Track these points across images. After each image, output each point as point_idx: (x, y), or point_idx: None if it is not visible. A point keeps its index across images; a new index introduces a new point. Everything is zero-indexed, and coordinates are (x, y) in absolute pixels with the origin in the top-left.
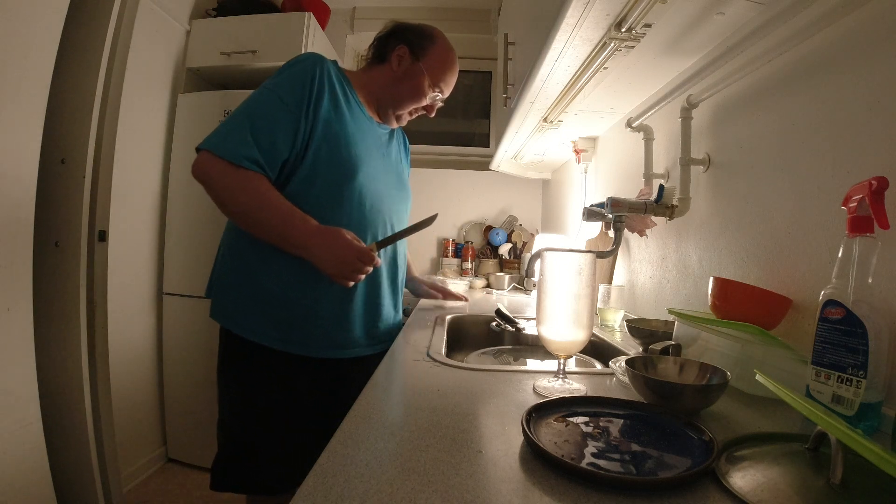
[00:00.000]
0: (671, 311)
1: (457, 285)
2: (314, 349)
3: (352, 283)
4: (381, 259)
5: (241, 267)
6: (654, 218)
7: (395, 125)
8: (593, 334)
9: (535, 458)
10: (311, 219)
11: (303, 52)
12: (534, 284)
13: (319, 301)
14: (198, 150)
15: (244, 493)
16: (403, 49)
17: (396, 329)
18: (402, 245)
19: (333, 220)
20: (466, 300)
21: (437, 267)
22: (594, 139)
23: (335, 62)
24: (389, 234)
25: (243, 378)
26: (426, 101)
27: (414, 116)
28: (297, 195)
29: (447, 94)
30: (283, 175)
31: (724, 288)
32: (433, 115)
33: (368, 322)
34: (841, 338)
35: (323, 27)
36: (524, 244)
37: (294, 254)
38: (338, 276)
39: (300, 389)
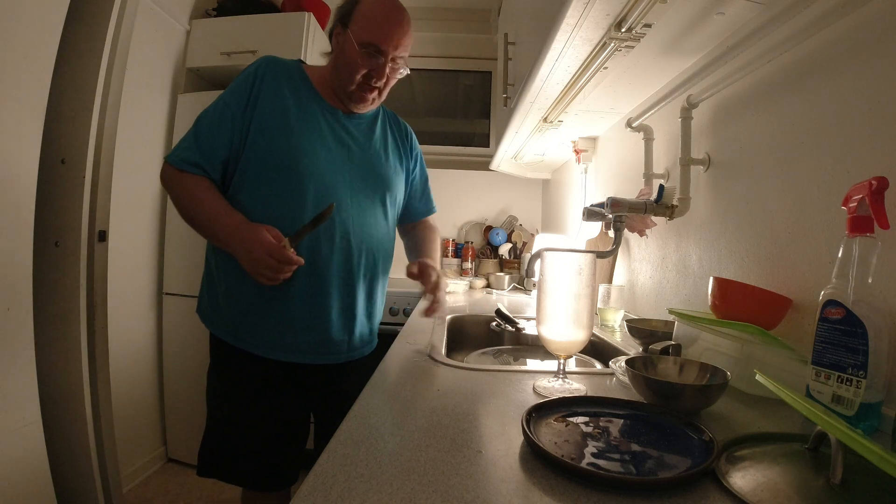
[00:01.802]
0: (671, 311)
1: (457, 285)
2: (262, 349)
3: (273, 282)
4: (308, 259)
5: (208, 264)
6: (654, 218)
7: (361, 107)
8: (593, 334)
9: (535, 458)
10: (237, 215)
11: (303, 51)
12: (534, 284)
13: (263, 300)
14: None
15: (224, 481)
16: (338, 27)
17: (360, 342)
18: (380, 242)
19: (283, 217)
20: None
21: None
22: (594, 139)
23: (299, 61)
24: (349, 229)
25: (217, 372)
26: (364, 66)
27: (376, 90)
28: (241, 192)
29: (390, 48)
30: (227, 174)
31: (724, 288)
32: (383, 79)
33: (316, 326)
34: (841, 338)
35: (323, 27)
36: (524, 244)
37: (228, 252)
38: (255, 274)
39: (256, 386)
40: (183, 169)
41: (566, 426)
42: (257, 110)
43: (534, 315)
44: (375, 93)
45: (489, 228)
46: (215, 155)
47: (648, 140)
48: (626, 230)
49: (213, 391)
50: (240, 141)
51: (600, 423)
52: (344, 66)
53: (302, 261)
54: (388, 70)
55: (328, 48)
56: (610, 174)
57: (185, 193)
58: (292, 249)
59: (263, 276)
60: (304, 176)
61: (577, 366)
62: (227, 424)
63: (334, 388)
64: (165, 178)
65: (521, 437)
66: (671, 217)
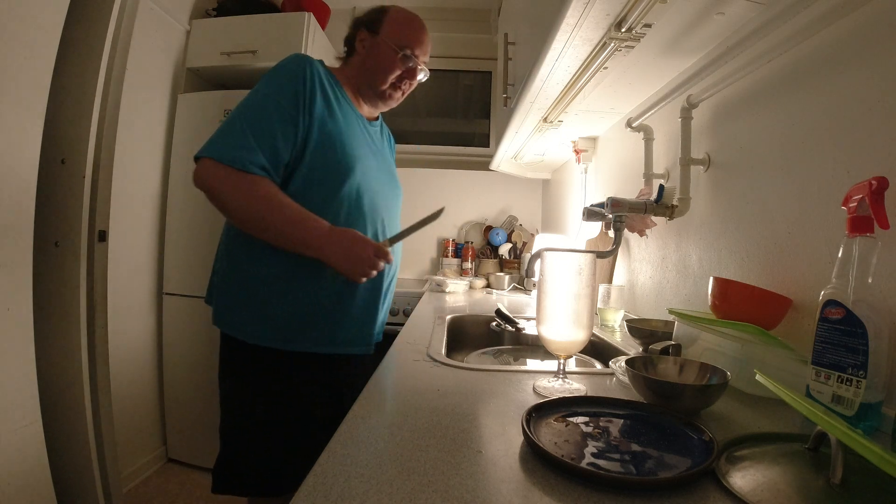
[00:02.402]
0: (671, 311)
1: (457, 285)
2: (313, 345)
3: (364, 279)
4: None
5: (237, 272)
6: (654, 218)
7: (383, 106)
8: (593, 334)
9: (535, 458)
10: (321, 220)
11: (303, 52)
12: (534, 284)
13: (318, 298)
14: (196, 158)
15: (244, 495)
16: (363, 33)
17: (380, 333)
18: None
19: (331, 220)
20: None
21: (437, 267)
22: (594, 139)
23: (321, 61)
24: (385, 230)
25: (245, 383)
26: (399, 67)
27: (402, 92)
28: (296, 197)
29: (421, 52)
30: (282, 178)
31: (724, 288)
32: (415, 80)
33: (366, 320)
34: (841, 338)
35: (323, 27)
36: (524, 244)
37: (307, 255)
38: (352, 273)
39: (300, 389)
40: (249, 171)
41: (566, 426)
42: (315, 116)
43: (534, 315)
44: (400, 93)
45: (489, 228)
46: (280, 158)
47: (648, 140)
48: (626, 230)
49: (241, 406)
50: (300, 147)
51: (600, 423)
52: (378, 68)
53: (392, 258)
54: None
55: (329, 48)
56: (610, 174)
57: (260, 197)
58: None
59: (362, 274)
60: (358, 183)
61: (577, 366)
62: (263, 439)
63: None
64: (220, 179)
65: (521, 437)
66: (671, 217)
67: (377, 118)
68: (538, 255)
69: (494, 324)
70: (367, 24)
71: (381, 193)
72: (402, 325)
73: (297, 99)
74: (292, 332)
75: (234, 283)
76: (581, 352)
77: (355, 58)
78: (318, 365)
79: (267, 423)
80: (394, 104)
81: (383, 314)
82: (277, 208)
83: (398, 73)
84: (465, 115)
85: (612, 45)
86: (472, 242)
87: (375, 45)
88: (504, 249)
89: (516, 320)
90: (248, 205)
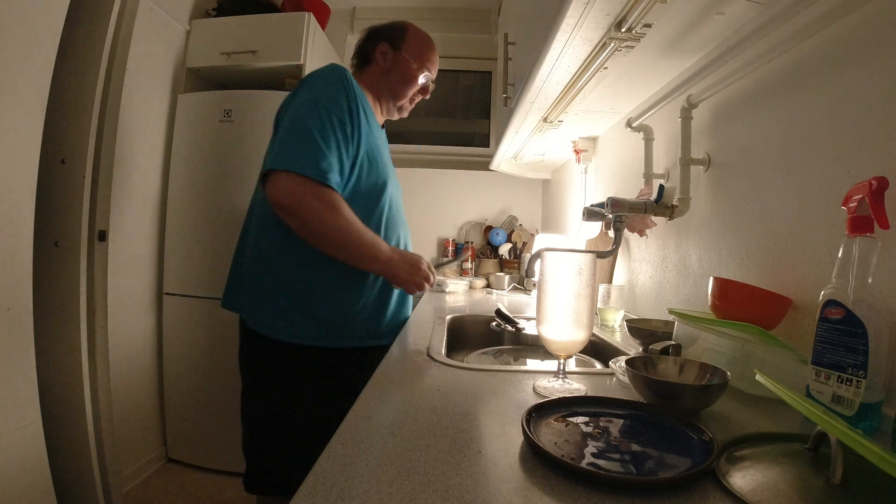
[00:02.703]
0: (671, 311)
1: (457, 285)
2: (357, 341)
3: (417, 291)
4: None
5: (284, 277)
6: (654, 218)
7: (397, 115)
8: (593, 334)
9: (535, 458)
10: (383, 241)
11: (303, 52)
12: (534, 284)
13: (361, 298)
14: (271, 170)
15: (279, 495)
16: (384, 45)
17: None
18: (409, 244)
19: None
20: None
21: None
22: (594, 139)
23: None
24: (405, 236)
25: (285, 383)
26: (419, 84)
27: (413, 104)
28: None
29: (435, 73)
30: None
31: (724, 288)
32: (428, 95)
33: (397, 313)
34: (841, 338)
35: (323, 27)
36: (524, 244)
37: (370, 269)
38: (410, 287)
39: (338, 383)
40: (331, 187)
41: (566, 426)
42: (362, 131)
43: (534, 315)
44: (412, 105)
45: (489, 228)
46: (344, 173)
47: (648, 140)
48: (626, 230)
49: (283, 405)
50: (352, 160)
51: (600, 423)
52: (401, 82)
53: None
54: None
55: (329, 48)
56: (610, 174)
57: (340, 212)
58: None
59: (420, 288)
60: (390, 195)
61: (577, 366)
62: (304, 438)
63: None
64: (305, 192)
65: (521, 437)
66: (671, 217)
67: (384, 124)
68: (538, 255)
69: (494, 324)
70: (389, 39)
71: (398, 202)
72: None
73: (350, 114)
74: (340, 330)
75: (279, 287)
76: (581, 352)
77: (374, 68)
78: (350, 357)
79: (307, 421)
80: (405, 115)
81: (408, 307)
82: (357, 230)
83: (417, 88)
84: (465, 115)
85: (612, 45)
86: (472, 242)
87: (398, 60)
88: (504, 249)
89: (516, 320)
90: (327, 220)
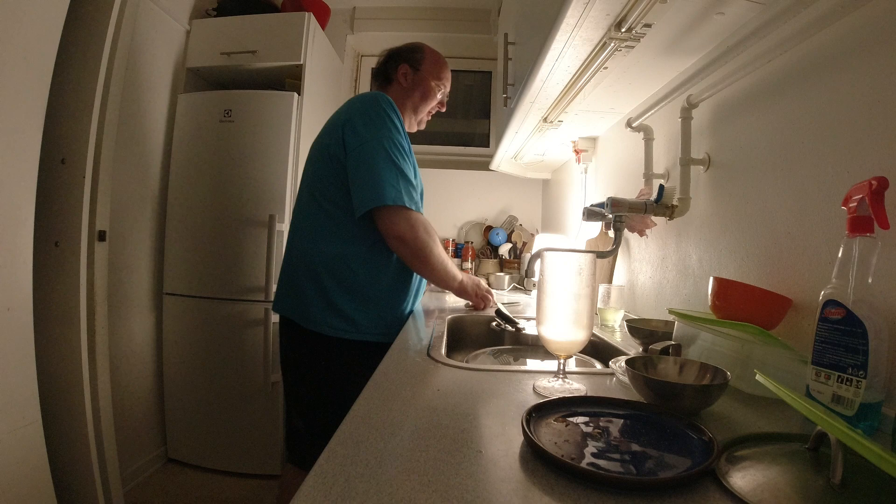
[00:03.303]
0: (671, 311)
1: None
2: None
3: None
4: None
5: (351, 293)
6: (654, 218)
7: (416, 129)
8: (593, 334)
9: (535, 458)
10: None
11: (303, 52)
12: (534, 284)
13: (405, 301)
14: (380, 206)
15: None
16: (405, 67)
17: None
18: None
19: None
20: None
21: None
22: (594, 139)
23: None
24: None
25: (342, 373)
26: (437, 100)
27: (430, 117)
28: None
29: (448, 87)
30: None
31: (724, 288)
32: (444, 108)
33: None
34: (841, 338)
35: (323, 27)
36: (524, 244)
37: (448, 287)
38: (478, 300)
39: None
40: (420, 211)
41: (566, 426)
42: (412, 156)
43: (534, 315)
44: (429, 118)
45: (489, 228)
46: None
47: (648, 140)
48: (626, 230)
49: (338, 395)
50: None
51: (600, 423)
52: (423, 100)
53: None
54: None
55: (329, 48)
56: (610, 174)
57: (439, 245)
58: None
59: (484, 299)
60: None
61: (577, 366)
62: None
63: None
64: (420, 226)
65: (521, 437)
66: (671, 217)
67: None
68: (538, 255)
69: (494, 324)
70: (410, 60)
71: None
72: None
73: (405, 139)
74: (386, 328)
75: (342, 297)
76: (581, 352)
77: (396, 87)
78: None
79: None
80: (423, 127)
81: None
82: (446, 260)
83: (435, 103)
84: (465, 115)
85: (612, 45)
86: (472, 242)
87: (419, 80)
88: (504, 249)
89: (516, 320)
90: (434, 248)
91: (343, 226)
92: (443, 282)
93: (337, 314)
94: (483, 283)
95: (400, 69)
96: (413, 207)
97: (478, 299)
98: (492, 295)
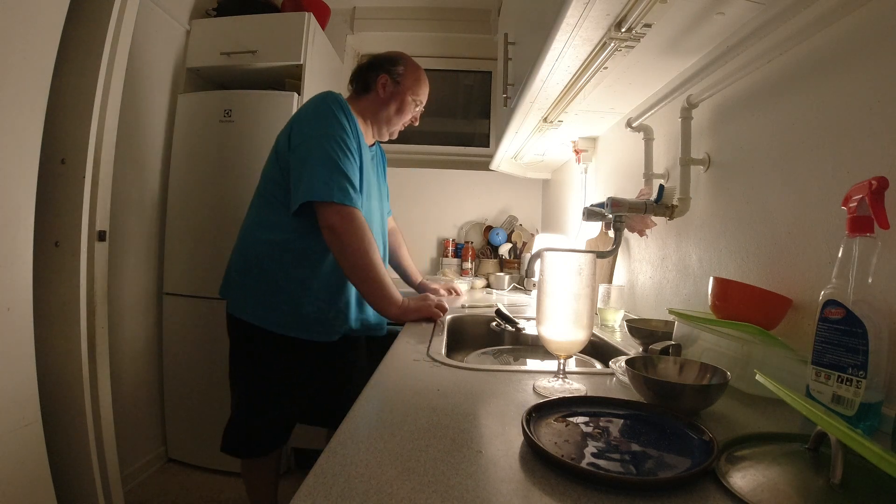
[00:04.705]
0: (671, 311)
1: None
2: (325, 335)
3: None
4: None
5: (288, 290)
6: (654, 218)
7: (386, 138)
8: (593, 334)
9: (535, 458)
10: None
11: (303, 52)
12: (534, 284)
13: (341, 300)
14: (310, 201)
15: (248, 456)
16: (385, 77)
17: (377, 319)
18: (385, 259)
19: None
20: (459, 294)
21: (437, 267)
22: (594, 139)
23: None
24: (382, 247)
25: (261, 363)
26: (412, 114)
27: (403, 128)
28: (313, 223)
29: (424, 101)
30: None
31: (724, 288)
32: (417, 123)
33: (359, 313)
34: (841, 338)
35: (323, 27)
36: (524, 244)
37: (384, 310)
38: (425, 312)
39: (306, 367)
40: (358, 208)
41: (566, 426)
42: (359, 158)
43: (534, 315)
44: (402, 129)
45: (489, 228)
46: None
47: (648, 140)
48: (626, 230)
49: (261, 377)
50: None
51: (600, 423)
52: (396, 112)
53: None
54: None
55: (329, 48)
56: (610, 174)
57: (376, 252)
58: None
59: (434, 310)
60: (369, 212)
61: (577, 366)
62: (275, 401)
63: (346, 361)
64: (356, 221)
65: (521, 437)
66: (671, 217)
67: (374, 143)
68: (538, 255)
69: (494, 324)
70: (390, 72)
71: (376, 212)
72: (402, 325)
73: (350, 141)
74: (313, 325)
75: (281, 293)
76: (581, 352)
77: (372, 96)
78: (315, 347)
79: (278, 394)
80: (395, 137)
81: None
82: (383, 270)
83: (409, 117)
84: (465, 115)
85: (612, 45)
86: (472, 242)
87: (397, 93)
88: (504, 249)
89: (516, 320)
90: (369, 244)
91: (278, 218)
92: (378, 295)
93: (252, 301)
94: (432, 297)
95: (380, 79)
96: (348, 203)
97: (433, 311)
98: (444, 301)
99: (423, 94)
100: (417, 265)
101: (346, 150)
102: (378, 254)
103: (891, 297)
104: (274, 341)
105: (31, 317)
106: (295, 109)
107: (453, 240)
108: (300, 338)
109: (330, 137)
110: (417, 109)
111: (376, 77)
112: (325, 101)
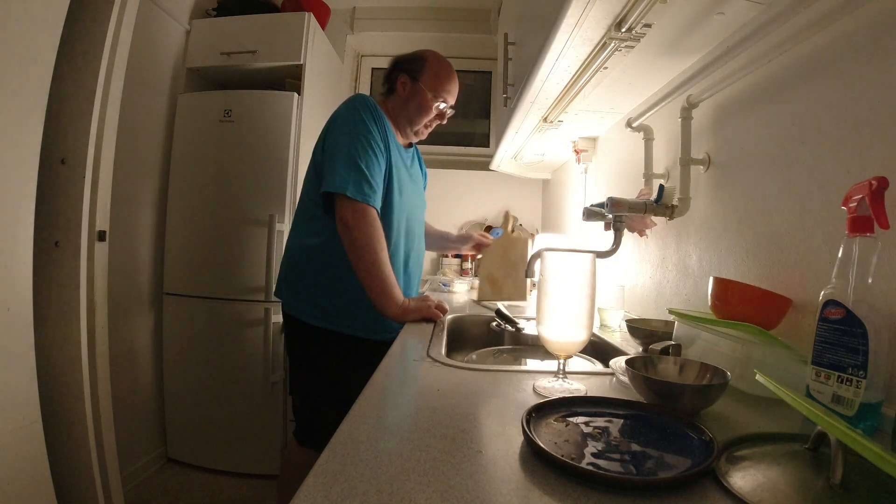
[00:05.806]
0: (671, 311)
1: (461, 285)
2: (373, 334)
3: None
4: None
5: (332, 287)
6: (654, 218)
7: (415, 139)
8: (593, 334)
9: (535, 458)
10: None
11: (303, 52)
12: (534, 284)
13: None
14: (329, 193)
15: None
16: (404, 77)
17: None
18: (420, 256)
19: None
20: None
21: (437, 267)
22: (594, 139)
23: (371, 97)
24: (416, 249)
25: (332, 363)
26: (433, 113)
27: (430, 128)
28: None
29: (452, 100)
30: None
31: (724, 288)
32: (445, 121)
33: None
34: (841, 338)
35: (323, 27)
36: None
37: (384, 308)
38: (425, 312)
39: (362, 364)
40: (376, 208)
41: (566, 426)
42: (389, 158)
43: (534, 315)
44: (429, 130)
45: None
46: (380, 192)
47: (648, 140)
48: (626, 230)
49: (328, 381)
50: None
51: (600, 424)
52: (417, 112)
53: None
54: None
55: (329, 49)
56: (610, 174)
57: (384, 249)
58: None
59: (434, 310)
60: (407, 210)
61: (577, 366)
62: (336, 398)
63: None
64: (367, 216)
65: (521, 437)
66: (671, 217)
67: (411, 145)
68: (538, 255)
69: (494, 324)
70: (409, 71)
71: (415, 217)
72: (402, 325)
73: (380, 141)
74: (360, 325)
75: (327, 290)
76: (581, 352)
77: (396, 97)
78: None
79: (345, 394)
80: (423, 137)
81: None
82: (388, 268)
83: (432, 116)
84: (465, 115)
85: (613, 45)
86: None
87: (416, 92)
88: None
89: (516, 320)
90: (378, 241)
91: (317, 223)
92: (379, 291)
93: (301, 300)
94: (432, 298)
95: (399, 79)
96: (361, 199)
97: (432, 311)
98: (444, 303)
99: (447, 92)
100: None
101: (367, 149)
102: (385, 252)
103: (891, 297)
104: (326, 335)
105: (31, 317)
106: (295, 109)
107: None
108: (346, 333)
109: (353, 137)
110: (443, 107)
111: (397, 77)
112: (353, 103)
